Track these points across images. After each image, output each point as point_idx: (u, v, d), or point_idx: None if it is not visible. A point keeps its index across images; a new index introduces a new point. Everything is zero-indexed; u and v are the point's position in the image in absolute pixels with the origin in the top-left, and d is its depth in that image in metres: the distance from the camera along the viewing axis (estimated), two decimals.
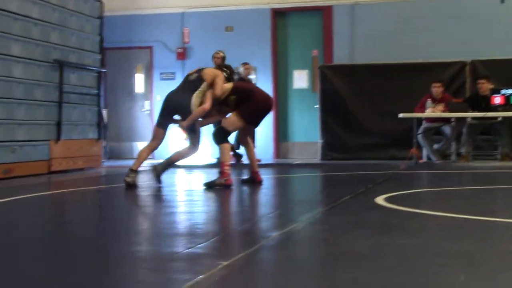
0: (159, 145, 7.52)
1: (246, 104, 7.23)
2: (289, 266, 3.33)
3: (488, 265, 3.27)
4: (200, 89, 7.18)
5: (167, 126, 7.47)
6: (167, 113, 7.39)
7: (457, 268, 3.16)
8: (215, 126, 9.93)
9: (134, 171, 7.31)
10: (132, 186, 7.20)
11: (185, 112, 7.19)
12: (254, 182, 7.59)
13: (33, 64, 9.68)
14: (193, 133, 7.28)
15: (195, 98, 7.15)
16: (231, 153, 11.57)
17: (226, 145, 7.23)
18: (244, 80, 11.41)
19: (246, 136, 7.75)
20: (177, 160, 7.44)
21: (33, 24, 9.76)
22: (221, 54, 11.05)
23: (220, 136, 7.25)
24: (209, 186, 7.14)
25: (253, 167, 7.62)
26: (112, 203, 6.61)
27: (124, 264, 3.42)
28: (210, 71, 7.35)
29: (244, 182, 7.77)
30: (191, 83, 7.28)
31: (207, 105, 7.14)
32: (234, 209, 5.99)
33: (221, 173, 7.15)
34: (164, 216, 5.48)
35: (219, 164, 7.47)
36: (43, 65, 9.90)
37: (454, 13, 12.46)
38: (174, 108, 7.31)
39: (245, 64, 11.81)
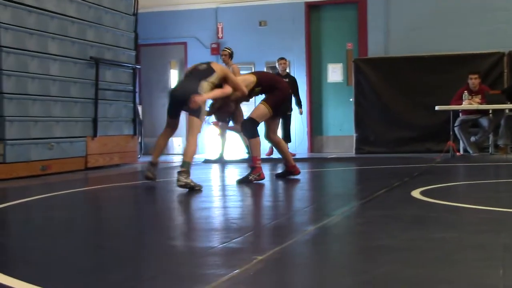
0: (173, 132, 7.35)
1: (273, 94, 7.22)
2: (324, 261, 3.33)
3: None
4: (210, 79, 6.88)
5: (178, 114, 7.20)
6: (174, 104, 7.05)
7: (496, 262, 3.12)
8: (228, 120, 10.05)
9: (154, 164, 7.24)
10: (151, 179, 7.16)
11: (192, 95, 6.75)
12: (291, 174, 7.56)
13: (69, 61, 9.81)
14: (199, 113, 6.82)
15: (205, 85, 6.81)
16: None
17: (257, 139, 7.20)
18: (281, 75, 11.41)
19: (275, 129, 7.69)
20: (193, 155, 6.88)
21: (70, 22, 9.88)
22: (228, 51, 10.98)
23: (251, 129, 7.19)
24: (242, 182, 7.14)
25: (289, 161, 7.58)
26: (148, 198, 6.67)
27: (160, 258, 3.45)
28: (220, 67, 7.13)
29: (278, 176, 7.75)
30: (200, 72, 6.98)
31: (229, 90, 6.97)
32: (269, 203, 5.99)
33: (253, 168, 7.16)
34: (199, 211, 5.51)
35: (250, 159, 7.46)
36: (79, 62, 10.02)
37: (490, 3, 12.27)
38: (180, 97, 6.88)
39: (281, 59, 11.79)
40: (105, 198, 6.93)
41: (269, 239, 4.03)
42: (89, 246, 3.92)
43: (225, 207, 5.71)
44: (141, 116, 12.92)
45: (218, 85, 6.97)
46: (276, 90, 7.25)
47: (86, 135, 10.10)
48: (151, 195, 6.88)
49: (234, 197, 6.45)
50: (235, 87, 7.07)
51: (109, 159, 10.61)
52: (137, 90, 12.06)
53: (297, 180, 7.52)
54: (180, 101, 6.85)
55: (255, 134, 7.21)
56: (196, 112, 6.73)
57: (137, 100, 12.22)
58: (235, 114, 9.36)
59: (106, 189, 7.51)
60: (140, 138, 12.35)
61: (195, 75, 6.96)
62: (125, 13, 11.48)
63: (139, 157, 12.01)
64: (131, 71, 11.55)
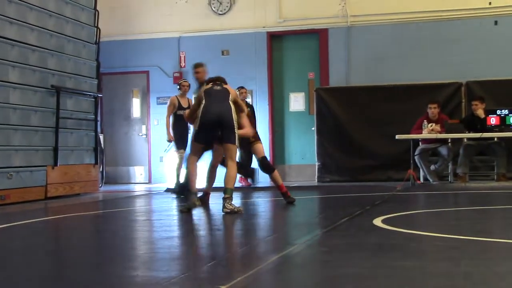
0: (198, 163, 7.46)
1: (254, 129, 8.12)
2: None
3: (488, 286, 3.27)
4: (230, 99, 7.27)
5: (210, 140, 7.36)
6: (211, 130, 7.21)
7: None
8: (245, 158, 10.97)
9: (194, 193, 7.28)
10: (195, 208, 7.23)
11: (227, 121, 7.10)
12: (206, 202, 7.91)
13: (30, 90, 9.70)
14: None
15: (231, 106, 7.21)
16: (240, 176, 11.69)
17: (276, 171, 8.02)
18: None
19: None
20: (234, 182, 7.31)
21: (31, 51, 9.80)
22: (188, 83, 10.92)
23: (270, 165, 8.09)
24: (290, 203, 7.85)
25: (210, 188, 7.97)
26: (109, 228, 6.59)
27: None
28: (230, 88, 7.52)
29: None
30: (220, 94, 7.29)
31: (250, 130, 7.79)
32: (232, 232, 5.97)
33: (285, 194, 7.93)
34: (162, 240, 5.46)
35: (278, 189, 8.03)
36: (39, 91, 9.92)
37: (449, 35, 12.53)
38: (215, 121, 7.13)
39: (241, 88, 11.81)
40: (65, 228, 6.83)
41: (232, 268, 4.01)
42: (47, 277, 3.84)
43: (187, 237, 5.68)
44: (102, 145, 12.82)
45: None
46: (254, 127, 8.13)
47: (47, 164, 9.96)
48: (112, 225, 6.80)
49: (196, 227, 6.41)
50: (242, 109, 7.61)
51: (69, 188, 10.47)
52: (98, 118, 11.97)
53: (260, 209, 7.50)
54: (214, 124, 7.13)
55: (274, 168, 8.11)
56: (233, 139, 7.09)
57: (99, 129, 12.12)
58: None
59: (66, 219, 7.40)
60: (101, 167, 12.23)
61: (219, 96, 7.26)
62: (87, 42, 11.43)
63: (100, 186, 11.88)
64: (93, 99, 11.47)
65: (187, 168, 7.51)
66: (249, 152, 11.54)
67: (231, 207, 6.90)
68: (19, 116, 9.44)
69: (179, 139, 9.87)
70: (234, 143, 7.09)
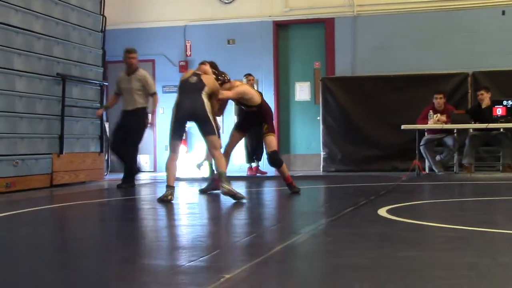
0: (178, 159, 7.50)
1: (270, 120, 7.92)
2: (292, 279, 3.32)
3: (493, 277, 3.27)
4: (205, 91, 7.25)
5: (182, 135, 7.48)
6: (180, 123, 7.33)
7: (462, 281, 3.15)
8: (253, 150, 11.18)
9: (171, 187, 7.25)
10: (168, 202, 7.15)
11: (201, 115, 7.18)
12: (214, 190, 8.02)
13: (35, 78, 9.70)
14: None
15: (204, 97, 7.21)
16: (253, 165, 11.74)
17: (284, 165, 7.94)
18: None
19: (235, 146, 8.25)
20: (225, 166, 7.40)
21: (36, 38, 9.79)
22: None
23: (279, 160, 7.91)
24: (295, 193, 7.86)
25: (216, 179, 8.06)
26: (114, 216, 6.61)
27: (126, 277, 3.42)
28: (209, 80, 7.44)
29: (203, 191, 8.13)
30: (193, 87, 7.30)
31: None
32: (236, 222, 5.98)
33: (290, 185, 7.89)
34: (167, 229, 5.47)
35: (284, 180, 7.99)
36: (45, 79, 9.92)
37: (456, 25, 12.48)
38: (189, 115, 7.26)
39: (248, 75, 11.81)
40: (70, 216, 6.85)
41: (236, 257, 4.02)
42: (53, 265, 3.86)
43: (192, 225, 5.68)
44: (108, 133, 12.82)
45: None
46: (269, 118, 7.94)
47: (52, 152, 9.98)
48: (117, 213, 6.81)
49: (201, 215, 6.42)
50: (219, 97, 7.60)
51: (75, 176, 10.49)
52: None
53: (265, 199, 7.50)
54: (188, 119, 7.26)
55: (282, 162, 7.95)
56: (211, 131, 7.17)
57: (104, 117, 12.12)
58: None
59: (72, 207, 7.42)
60: (106, 155, 12.24)
61: (193, 89, 7.27)
62: (93, 30, 11.42)
63: (106, 175, 11.90)
64: (99, 88, 11.47)
65: (167, 164, 7.45)
66: (260, 142, 11.60)
67: (227, 186, 7.00)
68: (24, 104, 9.45)
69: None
70: (214, 134, 7.20)
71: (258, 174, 11.93)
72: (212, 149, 7.31)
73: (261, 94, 8.13)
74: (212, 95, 7.38)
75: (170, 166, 7.35)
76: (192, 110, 7.19)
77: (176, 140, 7.39)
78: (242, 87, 7.93)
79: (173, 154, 7.36)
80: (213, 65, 7.80)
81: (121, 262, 3.87)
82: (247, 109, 7.94)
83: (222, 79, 7.71)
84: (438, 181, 9.82)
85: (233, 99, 7.92)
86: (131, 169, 9.59)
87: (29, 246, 4.60)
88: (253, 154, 11.98)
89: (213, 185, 8.11)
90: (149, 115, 9.61)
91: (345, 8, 13.00)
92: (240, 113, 10.51)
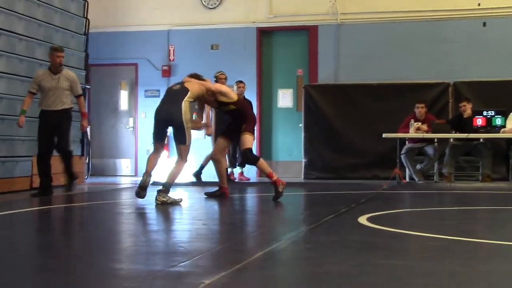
0: (160, 155, 7.67)
1: (250, 121, 7.93)
2: (272, 286, 3.32)
3: (473, 285, 3.28)
4: (186, 98, 7.33)
5: (163, 138, 7.66)
6: (159, 128, 7.52)
7: None
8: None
9: (148, 173, 7.44)
10: (145, 187, 7.36)
11: (176, 122, 7.26)
12: (223, 196, 8.03)
13: (16, 79, 9.62)
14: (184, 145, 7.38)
15: (184, 105, 7.29)
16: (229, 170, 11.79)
17: (261, 160, 7.93)
18: None
19: (225, 151, 8.40)
20: (175, 179, 7.48)
21: (18, 40, 9.72)
22: (225, 75, 11.25)
23: (252, 156, 7.90)
24: (277, 198, 7.71)
25: (224, 182, 8.14)
26: (95, 220, 6.56)
27: (105, 282, 3.39)
28: (194, 86, 7.56)
29: (209, 195, 8.11)
30: (176, 93, 7.46)
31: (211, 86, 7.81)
32: (217, 227, 5.97)
33: (275, 183, 7.72)
34: (147, 233, 5.45)
35: (268, 177, 7.90)
36: (27, 80, 9.83)
37: (437, 35, 12.59)
38: (165, 120, 7.40)
39: (239, 82, 11.74)
40: (49, 219, 6.80)
41: (217, 263, 4.01)
42: (30, 268, 3.82)
43: (173, 231, 5.67)
44: (89, 137, 12.76)
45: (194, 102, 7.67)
46: (251, 118, 7.99)
47: (32, 155, 9.89)
48: (98, 217, 6.77)
49: (182, 220, 6.40)
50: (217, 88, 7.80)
51: (55, 179, 10.35)
52: (86, 110, 11.89)
53: (246, 205, 7.50)
54: (165, 124, 7.42)
55: (257, 158, 7.98)
56: (183, 140, 7.29)
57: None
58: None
59: (51, 210, 7.36)
60: (88, 159, 12.18)
61: (173, 96, 7.43)
62: (76, 33, 11.37)
63: (86, 178, 11.83)
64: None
65: (148, 158, 7.66)
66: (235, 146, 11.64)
67: (162, 199, 7.19)
68: (5, 106, 9.37)
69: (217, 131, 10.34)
70: (184, 143, 7.34)
71: (237, 180, 11.90)
72: (178, 157, 7.46)
73: (250, 102, 8.34)
74: (202, 97, 7.62)
75: (150, 158, 7.60)
76: (169, 116, 7.34)
77: (157, 143, 7.61)
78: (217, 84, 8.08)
79: (155, 153, 7.59)
80: (195, 76, 7.88)
81: (99, 267, 3.84)
82: (227, 109, 7.97)
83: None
84: (418, 190, 9.87)
85: (214, 97, 7.87)
86: (73, 174, 9.26)
87: (8, 249, 4.55)
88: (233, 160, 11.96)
89: (220, 191, 8.13)
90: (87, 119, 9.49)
91: (328, 16, 13.06)
92: (220, 120, 10.55)
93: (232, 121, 8.10)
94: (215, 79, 11.34)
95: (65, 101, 8.96)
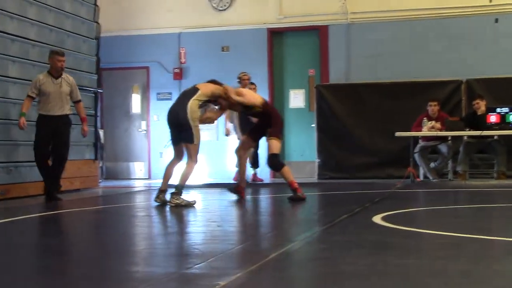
0: (180, 160, 7.68)
1: (277, 125, 7.93)
2: (287, 286, 3.32)
3: (487, 284, 3.27)
4: (195, 97, 7.36)
5: (178, 141, 7.58)
6: (171, 129, 7.54)
7: None
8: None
9: (163, 191, 7.52)
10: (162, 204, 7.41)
11: (181, 120, 7.28)
12: (238, 195, 8.16)
13: (29, 85, 9.66)
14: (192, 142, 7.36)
15: (191, 103, 7.30)
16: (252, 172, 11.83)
17: (285, 168, 7.92)
18: None
19: (249, 149, 8.56)
20: (186, 180, 7.48)
21: (31, 46, 9.78)
22: (248, 76, 11.46)
23: (277, 163, 7.96)
24: (295, 200, 7.74)
25: (242, 181, 8.31)
26: (109, 223, 6.59)
27: (121, 285, 3.41)
28: (206, 86, 7.64)
29: (230, 189, 8.32)
30: (185, 93, 7.56)
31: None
32: (232, 229, 5.98)
33: (295, 190, 7.78)
34: (162, 236, 5.47)
35: (288, 185, 7.91)
36: None
37: (449, 33, 12.53)
38: (172, 120, 7.45)
39: (249, 84, 11.67)
40: (64, 223, 6.84)
41: (231, 265, 4.01)
42: (46, 272, 3.84)
43: (187, 233, 5.68)
44: (102, 141, 12.81)
45: (207, 101, 7.65)
46: (278, 122, 7.99)
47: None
48: (112, 220, 6.80)
49: (196, 223, 6.42)
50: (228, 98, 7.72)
51: (69, 183, 10.45)
52: (98, 114, 11.96)
53: (260, 206, 7.51)
54: (173, 124, 7.42)
55: (283, 165, 8.00)
56: (189, 138, 7.27)
57: (99, 125, 12.10)
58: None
59: (66, 214, 7.40)
60: (101, 162, 12.23)
61: (181, 97, 7.54)
62: (87, 37, 11.41)
63: (100, 182, 11.88)
64: (93, 95, 11.46)
65: (166, 169, 7.69)
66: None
67: (176, 201, 7.22)
68: (19, 111, 9.41)
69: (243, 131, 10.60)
70: (191, 142, 7.31)
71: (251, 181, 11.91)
72: (188, 157, 7.45)
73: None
74: (217, 98, 7.65)
75: (167, 168, 7.64)
76: (175, 115, 7.38)
77: (174, 145, 7.61)
78: (238, 89, 8.11)
79: (173, 159, 7.64)
80: (213, 81, 7.94)
81: (115, 269, 3.86)
82: (253, 111, 8.04)
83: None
84: (433, 188, 9.83)
85: (239, 104, 7.92)
86: (58, 184, 9.05)
87: (24, 253, 4.58)
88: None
89: (235, 189, 8.27)
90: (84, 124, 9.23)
91: (339, 16, 13.04)
92: (244, 121, 10.60)
93: (258, 122, 8.21)
94: (238, 80, 11.41)
95: (65, 106, 8.86)
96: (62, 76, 8.83)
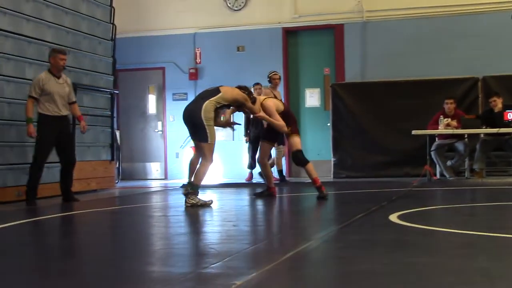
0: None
1: (293, 121, 8.13)
2: (304, 286, 3.32)
3: (506, 282, 3.25)
4: (213, 98, 7.35)
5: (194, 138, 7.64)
6: (187, 127, 7.57)
7: (474, 286, 3.14)
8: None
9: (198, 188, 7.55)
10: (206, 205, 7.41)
11: (194, 119, 7.30)
12: (270, 195, 8.25)
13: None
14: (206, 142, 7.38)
15: (207, 103, 7.31)
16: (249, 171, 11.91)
17: (310, 164, 8.05)
18: None
19: (268, 154, 8.61)
20: (201, 179, 7.49)
21: (48, 48, 9.84)
22: (278, 75, 11.54)
23: (302, 159, 8.06)
24: (320, 198, 7.88)
25: (270, 183, 8.39)
26: (125, 224, 6.62)
27: (137, 285, 3.42)
28: (228, 90, 7.64)
29: (257, 195, 8.35)
30: (205, 92, 7.57)
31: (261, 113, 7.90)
32: (248, 228, 5.98)
33: (319, 187, 7.90)
34: (178, 236, 5.48)
35: (312, 182, 8.03)
36: None
37: (465, 30, 12.46)
38: (186, 118, 7.48)
39: (256, 84, 11.74)
40: (82, 223, 6.88)
41: (248, 264, 4.02)
42: (64, 273, 3.87)
43: (203, 232, 5.69)
44: (119, 142, 12.87)
45: (225, 106, 7.64)
46: (292, 119, 8.15)
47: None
48: (128, 221, 6.83)
49: (213, 222, 6.43)
50: (251, 111, 7.90)
51: (86, 184, 10.52)
52: (115, 115, 12.01)
53: (276, 205, 7.50)
54: (187, 122, 7.44)
55: (307, 161, 8.08)
56: (202, 137, 7.27)
57: (115, 125, 12.16)
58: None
59: (83, 215, 7.45)
60: (117, 163, 12.29)
61: (201, 96, 7.57)
62: (103, 38, 11.48)
63: (117, 183, 11.93)
64: (109, 96, 11.52)
65: (190, 163, 7.91)
66: (255, 149, 11.82)
67: (192, 201, 7.24)
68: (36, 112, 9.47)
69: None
70: (205, 141, 7.29)
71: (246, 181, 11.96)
72: (201, 156, 7.45)
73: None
74: (240, 106, 7.73)
75: (191, 161, 7.84)
76: (188, 113, 7.41)
77: (194, 141, 7.77)
78: (267, 105, 8.06)
79: (196, 155, 7.78)
80: (244, 88, 7.99)
81: (132, 269, 3.88)
82: None
83: (252, 97, 7.93)
84: (449, 187, 9.78)
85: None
86: (68, 185, 8.88)
87: (41, 254, 4.62)
88: (252, 161, 12.06)
89: (268, 191, 8.35)
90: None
91: (354, 14, 13.01)
92: (257, 124, 10.69)
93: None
94: (268, 79, 11.48)
95: (66, 106, 8.70)
96: (63, 76, 8.71)
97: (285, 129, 7.97)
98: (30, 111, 8.39)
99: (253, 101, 7.82)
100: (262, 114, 7.92)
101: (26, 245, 5.09)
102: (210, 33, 13.71)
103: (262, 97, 8.31)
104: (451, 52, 12.45)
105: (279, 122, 7.93)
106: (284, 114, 8.08)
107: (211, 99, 7.32)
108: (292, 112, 8.37)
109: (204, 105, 7.26)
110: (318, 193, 7.95)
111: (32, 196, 8.44)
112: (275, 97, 10.26)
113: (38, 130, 8.45)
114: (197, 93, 8.29)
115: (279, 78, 11.51)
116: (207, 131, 7.26)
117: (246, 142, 11.86)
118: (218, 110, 7.52)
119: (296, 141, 8.07)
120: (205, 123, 7.23)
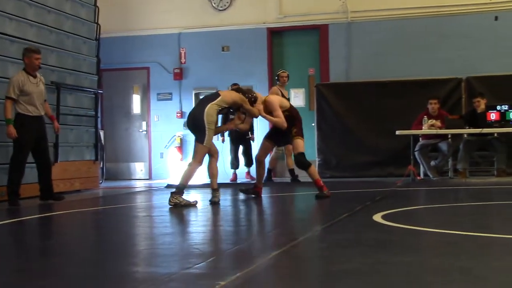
0: (216, 156, 7.77)
1: (297, 125, 8.21)
2: (287, 286, 3.32)
3: (487, 281, 3.27)
4: (214, 102, 7.41)
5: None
6: (192, 132, 7.66)
7: (457, 285, 3.16)
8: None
9: (216, 190, 7.65)
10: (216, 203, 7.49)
11: (197, 122, 7.36)
12: (256, 195, 8.32)
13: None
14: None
15: (209, 107, 7.37)
16: (234, 171, 11.95)
17: (312, 167, 8.16)
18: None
19: (267, 154, 8.72)
20: (188, 180, 7.51)
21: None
22: (286, 73, 11.49)
23: (305, 162, 8.13)
24: (320, 197, 7.97)
25: (260, 182, 8.47)
26: (110, 224, 6.60)
27: (121, 285, 3.41)
28: (228, 93, 7.75)
29: (242, 190, 8.50)
30: (206, 98, 7.67)
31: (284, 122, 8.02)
32: (232, 228, 5.98)
33: (321, 188, 7.99)
34: (162, 236, 5.47)
35: (315, 184, 8.13)
36: None
37: (449, 31, 12.53)
38: (190, 123, 7.61)
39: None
40: (65, 224, 6.84)
41: (231, 264, 4.02)
42: (47, 274, 3.85)
43: (188, 233, 5.68)
44: (103, 141, 12.81)
45: (226, 108, 7.67)
46: (298, 122, 8.26)
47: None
48: (112, 221, 6.80)
49: (196, 222, 6.42)
50: (250, 113, 7.91)
51: (70, 184, 10.47)
52: (99, 115, 11.96)
53: (260, 205, 7.51)
54: (191, 128, 7.56)
55: (310, 164, 8.15)
56: (200, 139, 7.35)
57: (99, 125, 12.11)
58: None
59: (67, 215, 7.41)
60: (102, 163, 12.23)
61: (201, 101, 7.73)
62: (87, 38, 11.42)
63: (101, 183, 11.88)
64: (93, 96, 11.46)
65: (208, 169, 7.83)
66: (237, 149, 11.91)
67: (176, 200, 7.27)
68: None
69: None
70: (202, 143, 7.37)
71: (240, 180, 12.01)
72: (193, 158, 7.51)
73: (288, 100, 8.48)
74: (238, 108, 7.76)
75: (209, 170, 7.79)
76: (192, 117, 7.51)
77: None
78: (271, 100, 8.15)
79: (210, 158, 7.74)
80: (237, 89, 8.08)
81: (116, 269, 3.86)
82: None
83: (250, 97, 7.91)
84: (433, 187, 9.83)
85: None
86: (51, 185, 8.82)
87: (23, 254, 4.58)
88: (235, 161, 12.16)
89: (253, 190, 8.40)
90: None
91: (339, 15, 13.04)
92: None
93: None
94: (276, 77, 11.53)
95: (42, 106, 8.59)
96: (38, 75, 8.56)
97: (285, 125, 8.00)
98: (9, 112, 8.22)
99: (254, 101, 7.86)
100: (262, 114, 7.98)
101: (8, 246, 5.05)
102: (195, 33, 13.69)
103: (263, 96, 8.38)
104: (435, 53, 12.51)
105: (279, 118, 7.96)
106: (290, 116, 8.13)
107: (212, 103, 7.39)
108: (299, 115, 8.41)
109: (207, 108, 7.34)
110: (318, 192, 8.03)
111: (15, 197, 8.36)
112: (283, 95, 10.36)
113: (18, 131, 8.30)
114: (190, 95, 8.32)
115: (287, 76, 11.48)
116: (206, 133, 7.34)
117: (223, 142, 11.92)
118: (228, 114, 7.68)
119: (299, 144, 8.15)
120: (206, 126, 7.33)
